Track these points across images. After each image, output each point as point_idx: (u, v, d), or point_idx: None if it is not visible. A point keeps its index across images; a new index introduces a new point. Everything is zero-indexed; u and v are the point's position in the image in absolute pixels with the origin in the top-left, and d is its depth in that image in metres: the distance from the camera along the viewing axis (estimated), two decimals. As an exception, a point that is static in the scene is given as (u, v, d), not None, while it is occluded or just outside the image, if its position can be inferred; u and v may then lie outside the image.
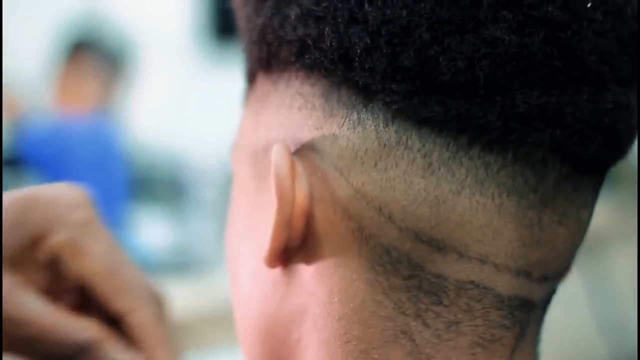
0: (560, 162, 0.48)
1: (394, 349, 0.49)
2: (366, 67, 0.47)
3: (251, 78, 0.56)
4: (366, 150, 0.48)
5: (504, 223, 0.48)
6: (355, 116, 0.48)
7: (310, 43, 0.49)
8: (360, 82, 0.48)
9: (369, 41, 0.47)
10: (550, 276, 0.51)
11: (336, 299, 0.50)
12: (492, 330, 0.49)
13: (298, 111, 0.51)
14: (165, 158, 3.21)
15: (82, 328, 0.53)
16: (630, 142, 0.51)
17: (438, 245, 0.48)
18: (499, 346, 0.50)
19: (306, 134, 0.50)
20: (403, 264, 0.48)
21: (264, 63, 0.53)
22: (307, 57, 0.49)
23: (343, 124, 0.48)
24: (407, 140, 0.47)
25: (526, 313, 0.50)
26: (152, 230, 2.49)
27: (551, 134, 0.47)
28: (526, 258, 0.49)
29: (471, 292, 0.48)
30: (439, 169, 0.47)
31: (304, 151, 0.50)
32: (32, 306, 0.52)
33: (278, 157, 0.50)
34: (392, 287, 0.49)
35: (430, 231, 0.48)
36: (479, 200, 0.47)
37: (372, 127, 0.48)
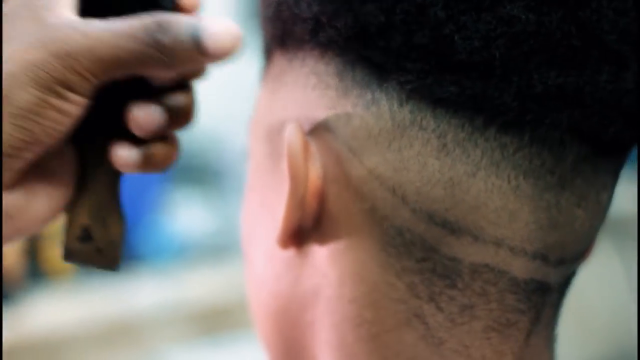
0: (578, 143, 0.47)
1: (407, 332, 0.49)
2: (380, 45, 0.46)
3: (268, 56, 0.55)
4: (380, 130, 0.47)
5: (520, 205, 0.47)
6: (369, 96, 0.47)
7: (325, 21, 0.48)
8: (374, 61, 0.47)
9: (383, 19, 0.46)
10: (568, 259, 0.50)
11: (348, 281, 0.50)
12: (508, 314, 0.49)
13: (312, 90, 0.50)
14: (204, 141, 3.22)
15: (140, 19, 0.49)
16: None
17: (452, 228, 0.47)
18: (514, 330, 0.49)
19: (320, 114, 0.50)
20: (416, 246, 0.48)
21: (280, 41, 0.53)
22: (321, 35, 0.49)
23: (357, 104, 0.48)
24: (421, 121, 0.46)
25: (542, 297, 0.50)
26: (189, 215, 2.50)
27: (569, 114, 0.46)
28: (543, 241, 0.48)
29: (486, 275, 0.48)
30: (454, 150, 0.46)
31: (317, 131, 0.50)
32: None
33: (291, 137, 0.49)
34: (405, 270, 0.48)
35: (444, 213, 0.47)
36: (494, 182, 0.47)
37: (386, 107, 0.47)
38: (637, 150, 0.54)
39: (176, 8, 0.53)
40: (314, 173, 0.49)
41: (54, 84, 0.47)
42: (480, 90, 0.45)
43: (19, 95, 0.47)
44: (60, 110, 0.48)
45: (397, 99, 0.47)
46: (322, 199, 0.50)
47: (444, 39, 0.45)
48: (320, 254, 0.51)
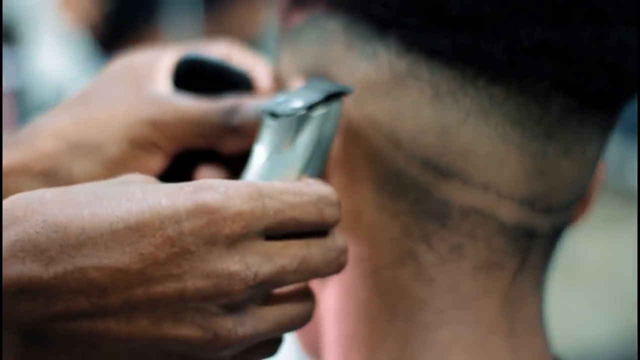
0: (563, 95, 0.49)
1: (401, 269, 0.52)
2: (382, 2, 0.50)
3: (286, 17, 0.59)
4: (379, 80, 0.51)
5: (507, 153, 0.50)
6: (370, 49, 0.51)
7: None
8: (376, 17, 0.50)
9: None
10: (555, 208, 0.52)
11: (350, 220, 0.53)
12: (494, 255, 0.52)
13: (322, 46, 0.54)
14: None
15: (219, 101, 0.56)
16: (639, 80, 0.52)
17: (443, 172, 0.50)
18: (500, 270, 0.52)
19: (328, 68, 0.53)
20: (410, 189, 0.51)
21: (296, 1, 0.57)
22: None
23: (359, 57, 0.51)
24: (417, 72, 0.50)
25: (529, 242, 0.52)
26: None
27: (554, 68, 0.48)
28: (530, 188, 0.51)
29: (474, 217, 0.51)
30: (446, 98, 0.49)
31: None
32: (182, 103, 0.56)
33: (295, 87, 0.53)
34: (399, 211, 0.51)
35: (436, 158, 0.50)
36: (483, 129, 0.49)
37: (386, 59, 0.50)
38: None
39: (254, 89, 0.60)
40: None
41: (145, 143, 0.55)
42: (472, 43, 0.48)
43: (112, 146, 0.54)
44: (144, 164, 0.55)
45: (396, 51, 0.50)
46: None
47: None
48: None
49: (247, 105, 0.55)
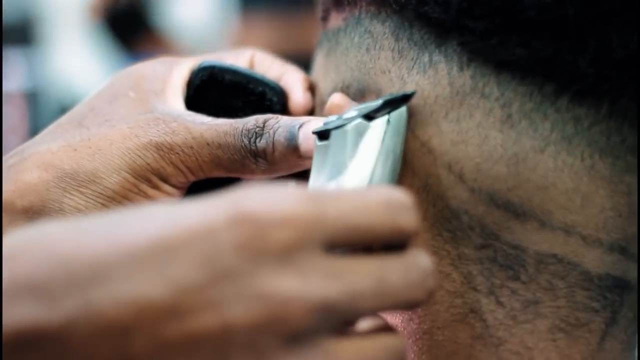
0: None
1: (462, 329, 0.45)
2: (440, 1, 0.43)
3: (325, 16, 0.53)
4: (437, 97, 0.44)
5: (595, 188, 0.43)
6: (426, 58, 0.44)
7: None
8: (433, 18, 0.44)
9: None
10: None
11: None
12: (578, 313, 0.45)
13: (366, 52, 0.47)
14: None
15: (241, 120, 0.48)
16: None
17: (516, 211, 0.43)
18: (584, 332, 0.45)
19: (372, 79, 0.47)
20: (475, 231, 0.44)
21: None
22: None
23: (413, 67, 0.45)
24: (483, 87, 0.43)
25: (620, 295, 0.45)
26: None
27: None
28: (622, 230, 0.44)
29: (553, 267, 0.44)
30: (520, 121, 0.43)
31: (368, 98, 0.47)
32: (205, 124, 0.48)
33: (332, 106, 0.47)
34: (462, 258, 0.44)
35: (507, 194, 0.43)
36: (565, 159, 0.42)
37: (445, 71, 0.44)
38: None
39: (285, 108, 0.52)
40: None
41: (150, 173, 0.47)
42: (552, 53, 0.42)
43: (110, 177, 0.47)
44: (150, 199, 0.48)
45: (457, 62, 0.43)
46: None
47: None
48: None
49: (275, 124, 0.47)
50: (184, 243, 0.33)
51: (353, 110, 0.43)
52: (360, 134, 0.42)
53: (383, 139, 0.43)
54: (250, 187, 0.35)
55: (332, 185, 0.42)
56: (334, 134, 0.42)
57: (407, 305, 0.37)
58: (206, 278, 0.33)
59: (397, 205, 0.37)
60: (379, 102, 0.43)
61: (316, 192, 0.36)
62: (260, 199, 0.35)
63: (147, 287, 0.33)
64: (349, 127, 0.42)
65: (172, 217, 0.35)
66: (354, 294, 0.35)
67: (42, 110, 2.37)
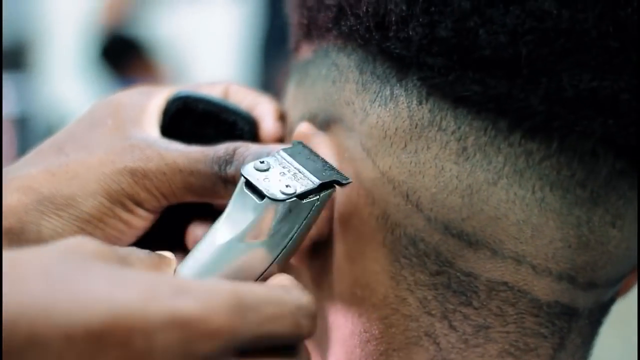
0: (614, 155, 0.43)
1: (416, 352, 0.45)
2: (401, 37, 0.43)
3: (296, 47, 0.53)
4: (396, 129, 0.44)
5: (545, 220, 0.43)
6: (388, 91, 0.44)
7: (347, 9, 0.46)
8: (395, 54, 0.44)
9: (404, 8, 0.43)
10: (600, 283, 0.45)
11: (357, 293, 0.46)
12: (527, 338, 0.45)
13: (332, 84, 0.47)
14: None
15: (213, 148, 0.49)
16: None
17: (469, 240, 0.43)
18: (533, 357, 0.45)
19: (337, 110, 0.47)
20: (430, 258, 0.44)
21: (305, 29, 0.51)
22: (343, 23, 0.46)
23: (375, 99, 0.45)
24: (441, 121, 0.43)
25: (568, 322, 0.45)
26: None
27: (603, 123, 0.41)
28: (571, 261, 0.44)
29: (504, 294, 0.44)
30: (474, 154, 0.43)
31: (332, 128, 0.47)
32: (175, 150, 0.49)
33: (299, 134, 0.47)
34: (418, 283, 0.45)
35: (461, 223, 0.43)
36: (517, 192, 0.43)
37: (405, 104, 0.44)
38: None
39: (256, 137, 0.53)
40: None
41: (124, 197, 0.48)
42: (505, 90, 0.41)
43: (87, 201, 0.47)
44: (125, 222, 0.48)
45: (417, 96, 0.44)
46: (331, 203, 0.47)
47: (468, 32, 0.41)
48: (331, 262, 0.48)
49: (244, 153, 0.47)
50: (121, 336, 0.34)
51: (286, 178, 0.43)
52: (287, 211, 0.43)
53: (303, 220, 0.43)
54: (191, 284, 0.36)
55: (238, 249, 0.43)
56: (266, 201, 0.42)
57: None
58: None
59: (303, 312, 0.39)
60: (314, 183, 0.43)
61: (244, 300, 0.37)
62: (199, 302, 0.35)
63: None
64: (282, 204, 0.42)
65: (113, 295, 0.35)
66: None
67: (30, 136, 2.35)
